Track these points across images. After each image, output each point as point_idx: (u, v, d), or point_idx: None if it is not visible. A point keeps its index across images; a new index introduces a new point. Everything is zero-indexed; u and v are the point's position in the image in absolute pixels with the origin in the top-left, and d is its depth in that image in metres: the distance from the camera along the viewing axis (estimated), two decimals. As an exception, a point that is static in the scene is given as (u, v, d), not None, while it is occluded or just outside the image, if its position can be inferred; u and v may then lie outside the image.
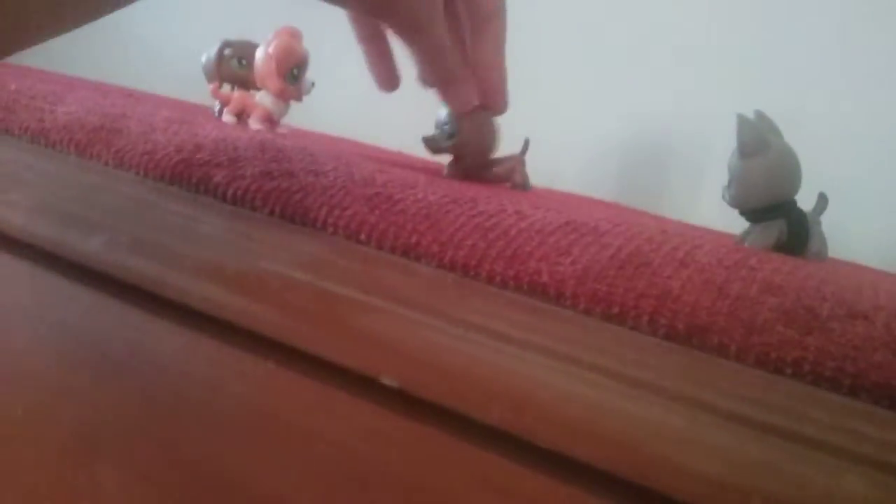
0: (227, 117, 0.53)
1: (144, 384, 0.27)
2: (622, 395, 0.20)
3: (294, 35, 0.51)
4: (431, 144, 0.47)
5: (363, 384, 0.23)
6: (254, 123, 0.51)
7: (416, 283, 0.26)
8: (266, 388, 0.25)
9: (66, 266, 0.30)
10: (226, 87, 0.55)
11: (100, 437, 0.28)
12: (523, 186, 0.50)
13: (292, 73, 0.50)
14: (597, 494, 0.20)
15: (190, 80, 0.62)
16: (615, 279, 0.26)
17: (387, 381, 0.22)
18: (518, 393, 0.21)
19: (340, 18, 0.47)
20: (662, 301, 0.25)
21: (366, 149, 0.66)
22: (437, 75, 0.45)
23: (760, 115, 0.38)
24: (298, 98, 0.52)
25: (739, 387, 0.21)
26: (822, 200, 0.39)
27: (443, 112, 0.47)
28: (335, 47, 0.53)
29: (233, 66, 0.54)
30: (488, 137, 0.49)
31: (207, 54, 0.55)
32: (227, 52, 0.54)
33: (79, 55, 0.87)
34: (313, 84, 0.52)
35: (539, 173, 0.53)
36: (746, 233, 0.38)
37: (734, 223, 0.40)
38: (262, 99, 0.51)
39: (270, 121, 0.52)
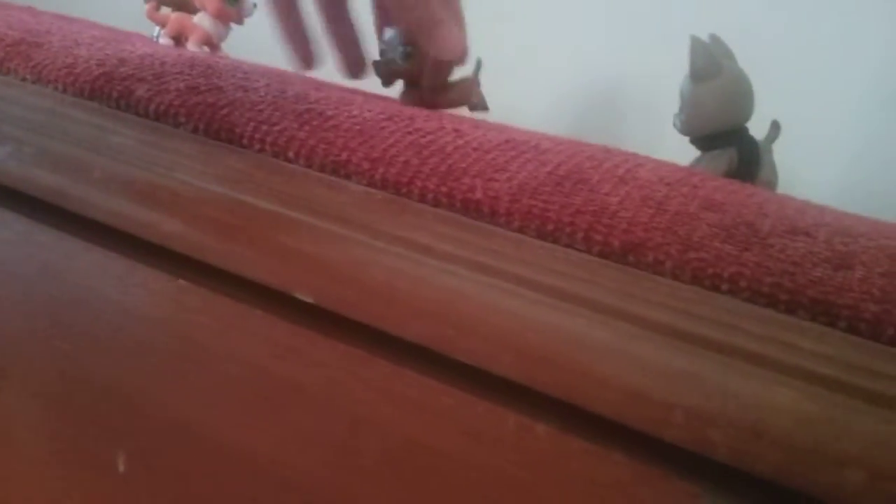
0: (164, 40, 0.50)
1: (51, 303, 0.26)
2: (547, 308, 0.19)
3: (235, -46, 0.48)
4: (385, 69, 0.44)
5: (278, 300, 0.22)
6: (192, 46, 0.49)
7: (341, 198, 0.25)
8: (176, 306, 0.24)
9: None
10: (165, 10, 0.52)
11: (2, 360, 0.27)
12: (482, 107, 0.48)
13: (232, -7, 0.48)
14: (517, 409, 0.19)
15: (131, 11, 0.59)
16: (551, 195, 0.25)
17: (301, 295, 0.21)
18: (438, 307, 0.20)
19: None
20: (598, 217, 0.24)
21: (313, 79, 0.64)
22: (415, 18, 0.40)
23: (715, 39, 0.37)
24: (239, 20, 0.49)
25: (671, 300, 0.20)
26: (775, 128, 0.38)
27: (389, 32, 0.45)
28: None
29: (171, -13, 0.51)
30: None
31: (145, -26, 0.52)
32: (165, -29, 0.51)
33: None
34: (255, 5, 0.50)
35: (496, 110, 0.51)
36: (697, 161, 0.37)
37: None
38: (201, 20, 0.48)
39: (210, 44, 0.49)
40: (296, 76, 0.42)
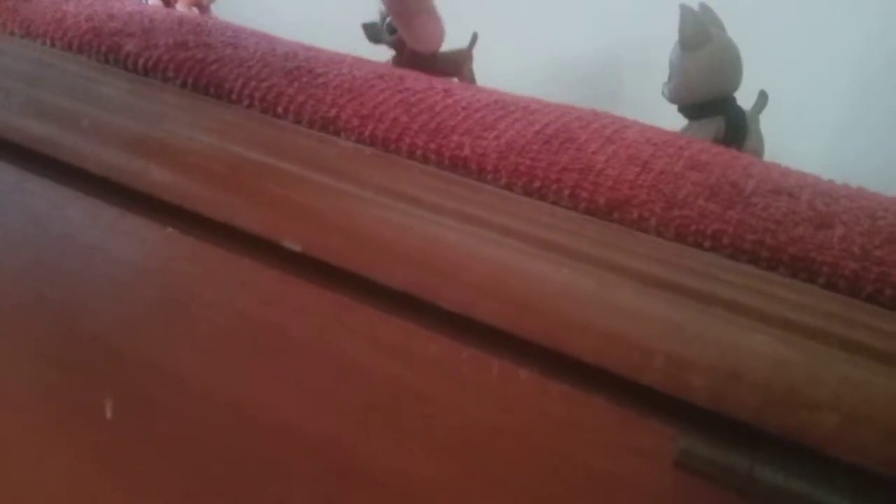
0: (154, 0, 0.50)
1: (40, 251, 0.26)
2: (531, 257, 0.19)
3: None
4: (371, 33, 0.45)
5: (265, 249, 0.22)
6: (181, 7, 0.48)
7: (329, 151, 0.25)
8: (165, 254, 0.24)
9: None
10: (154, -28, 0.52)
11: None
12: (471, 81, 0.49)
13: (223, -46, 0.48)
14: (500, 355, 0.19)
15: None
16: (538, 153, 0.25)
17: (289, 244, 0.21)
18: (424, 255, 0.20)
19: None
20: (585, 175, 0.24)
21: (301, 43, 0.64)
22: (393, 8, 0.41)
23: (704, 7, 0.37)
24: (230, -17, 0.49)
25: (653, 252, 0.20)
26: (762, 98, 0.39)
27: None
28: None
29: (160, -53, 0.51)
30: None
31: (135, -65, 0.52)
32: (155, -68, 0.51)
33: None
34: (246, -31, 0.50)
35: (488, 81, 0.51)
36: (685, 130, 0.38)
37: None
38: (191, -17, 0.48)
39: (199, 5, 0.49)
40: (285, 39, 0.42)
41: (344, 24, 0.49)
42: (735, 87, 0.36)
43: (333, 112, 0.27)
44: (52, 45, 0.33)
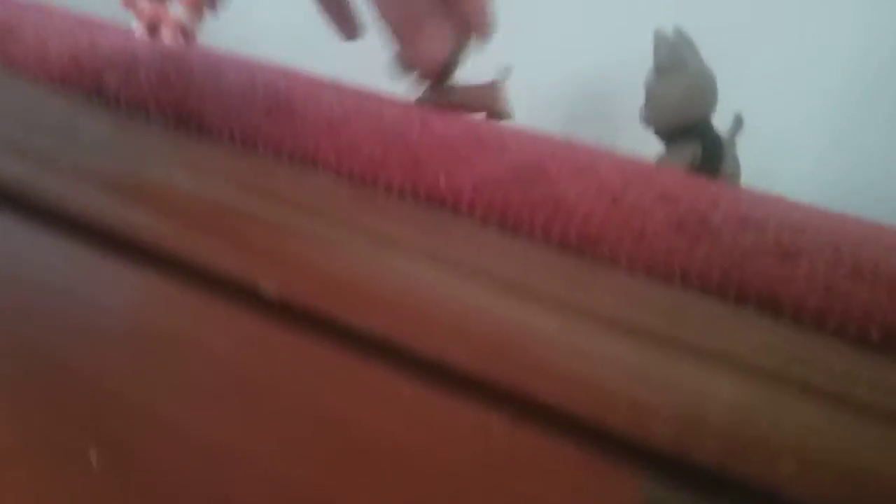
0: (139, 29, 0.50)
1: (18, 294, 0.26)
2: (500, 300, 0.20)
3: (208, -59, 0.48)
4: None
5: (243, 292, 0.22)
6: (166, 35, 0.49)
7: (305, 190, 0.25)
8: (144, 298, 0.24)
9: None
10: (139, -3, 0.52)
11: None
12: (505, 115, 0.46)
13: (206, -19, 0.48)
14: (471, 398, 0.19)
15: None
16: (511, 188, 0.25)
17: (264, 288, 0.22)
18: (398, 298, 0.20)
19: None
20: (556, 209, 0.24)
21: (296, 73, 0.64)
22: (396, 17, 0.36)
23: (678, 33, 0.37)
24: (214, 9, 0.49)
25: (621, 293, 0.20)
26: (738, 122, 0.39)
27: None
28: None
29: (145, -26, 0.51)
30: None
31: (119, -39, 0.52)
32: (139, -42, 0.51)
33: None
34: (229, -6, 0.50)
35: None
36: (662, 154, 0.38)
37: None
38: (175, 10, 0.48)
39: (185, 34, 0.49)
40: (266, 67, 0.42)
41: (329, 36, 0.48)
42: (710, 112, 0.36)
43: (311, 147, 0.28)
44: (36, 80, 0.33)
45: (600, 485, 0.18)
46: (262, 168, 0.26)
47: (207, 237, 0.23)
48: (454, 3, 0.36)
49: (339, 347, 0.21)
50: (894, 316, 0.20)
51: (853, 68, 0.57)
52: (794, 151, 0.58)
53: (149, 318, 0.24)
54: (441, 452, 0.20)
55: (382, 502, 0.21)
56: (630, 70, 0.66)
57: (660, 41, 0.35)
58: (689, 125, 0.36)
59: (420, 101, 0.44)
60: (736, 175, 0.38)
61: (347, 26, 0.42)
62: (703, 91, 0.36)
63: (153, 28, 0.50)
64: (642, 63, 0.44)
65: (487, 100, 0.45)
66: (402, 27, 0.35)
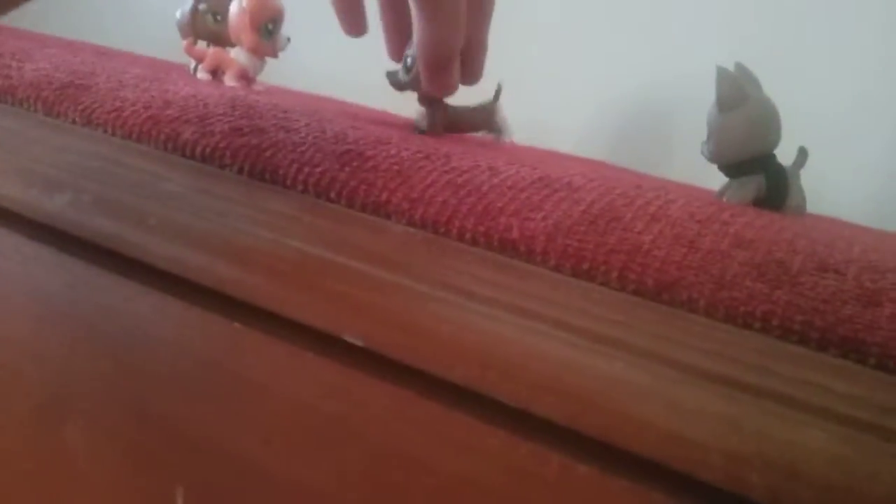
0: (202, 74, 0.52)
1: (113, 345, 0.27)
2: (586, 351, 0.20)
3: (268, -11, 0.49)
4: (395, 82, 0.45)
5: (328, 342, 0.23)
6: (229, 80, 0.50)
7: (384, 240, 0.26)
8: (232, 347, 0.25)
9: (31, 226, 0.30)
10: (201, 44, 0.54)
11: (68, 398, 0.28)
12: (505, 133, 0.49)
13: (266, 27, 0.49)
14: (559, 450, 0.20)
15: (165, 38, 0.61)
16: (585, 234, 0.26)
17: (350, 338, 0.22)
18: (482, 350, 0.21)
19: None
20: (632, 256, 0.25)
21: (343, 105, 0.65)
22: (439, 53, 0.40)
23: (740, 67, 0.38)
24: (274, 54, 0.51)
25: (705, 342, 0.21)
26: (802, 155, 0.39)
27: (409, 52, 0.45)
28: (311, 2, 0.52)
29: (207, 22, 0.53)
30: None
31: (182, 10, 0.54)
32: (201, 7, 0.53)
33: (52, 12, 0.86)
34: (289, 40, 0.51)
35: (526, 130, 0.52)
36: (725, 188, 0.38)
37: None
38: (237, 55, 0.50)
39: (246, 77, 0.51)
40: (332, 113, 0.43)
41: (377, 76, 0.50)
42: (774, 146, 0.36)
43: (384, 196, 0.29)
44: (113, 133, 0.35)
45: (696, 538, 0.18)
46: (339, 220, 0.27)
47: (291, 290, 0.24)
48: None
49: (425, 396, 0.22)
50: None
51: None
52: (852, 178, 0.58)
53: (235, 366, 0.25)
54: (528, 500, 0.21)
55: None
56: (684, 99, 0.66)
57: (722, 76, 0.35)
58: (753, 159, 0.36)
59: (422, 126, 0.46)
60: (801, 207, 0.38)
61: (355, 23, 0.45)
62: (767, 124, 0.36)
63: (215, 73, 0.52)
64: (697, 91, 0.45)
65: (486, 118, 0.47)
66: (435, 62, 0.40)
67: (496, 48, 0.45)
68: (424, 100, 0.46)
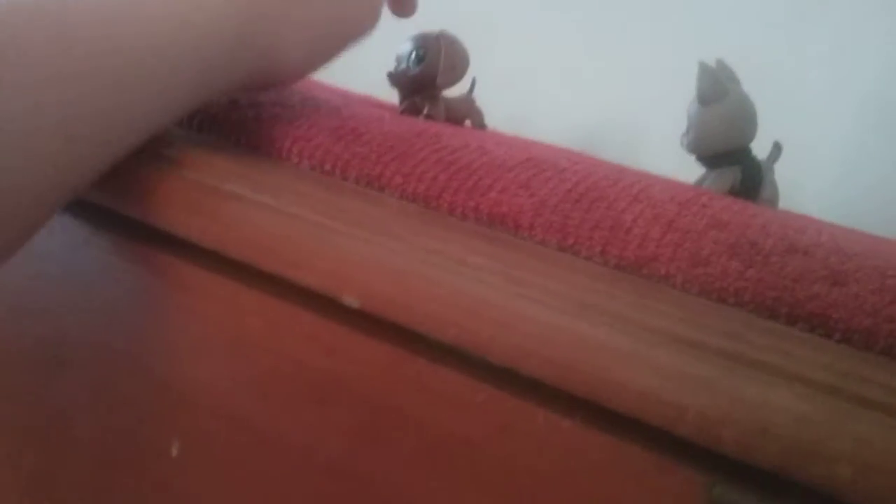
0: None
1: (113, 303, 0.28)
2: (571, 316, 0.21)
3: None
4: (399, 77, 0.46)
5: (325, 304, 0.24)
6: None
7: (378, 210, 0.27)
8: (231, 308, 0.26)
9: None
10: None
11: (64, 348, 0.29)
12: (480, 125, 0.51)
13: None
14: (543, 406, 0.21)
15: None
16: (571, 211, 0.27)
17: (348, 300, 0.23)
18: (473, 312, 0.22)
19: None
20: (614, 233, 0.26)
21: (333, 88, 0.66)
22: None
23: (721, 64, 0.39)
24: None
25: (683, 311, 0.22)
26: (776, 149, 0.40)
27: (405, 45, 0.46)
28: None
29: None
30: (460, 59, 0.48)
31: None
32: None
33: None
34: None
35: (505, 128, 0.53)
36: (702, 178, 0.39)
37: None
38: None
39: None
40: (325, 92, 0.44)
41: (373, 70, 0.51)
42: (751, 139, 0.38)
43: (378, 170, 0.30)
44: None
45: (668, 483, 0.20)
46: (334, 191, 0.28)
47: (288, 252, 0.25)
48: None
49: (417, 354, 0.23)
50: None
51: (875, 94, 0.60)
52: (821, 172, 0.61)
53: (234, 326, 0.26)
54: (512, 452, 0.22)
55: (452, 497, 0.23)
56: (660, 97, 0.68)
57: (704, 72, 0.37)
58: (731, 151, 0.37)
59: (403, 111, 0.47)
60: (774, 200, 0.40)
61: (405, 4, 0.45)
62: (744, 119, 0.37)
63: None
64: (673, 89, 0.47)
65: (464, 111, 0.50)
66: None
67: (477, 46, 0.47)
68: (427, 93, 0.46)
